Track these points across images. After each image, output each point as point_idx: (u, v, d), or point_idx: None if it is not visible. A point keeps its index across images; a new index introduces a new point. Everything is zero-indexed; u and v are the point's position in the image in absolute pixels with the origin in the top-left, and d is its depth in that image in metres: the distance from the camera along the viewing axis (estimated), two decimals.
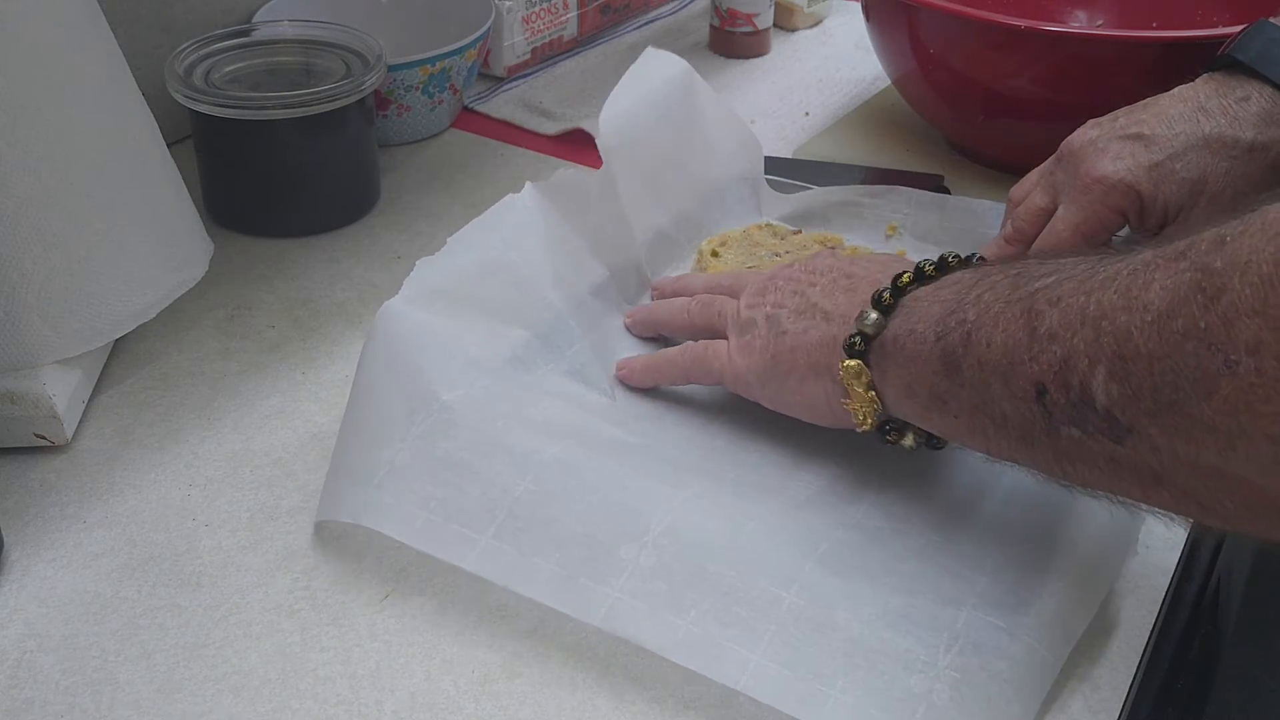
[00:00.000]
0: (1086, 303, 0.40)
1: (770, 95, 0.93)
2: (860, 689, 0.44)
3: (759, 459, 0.56)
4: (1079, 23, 0.91)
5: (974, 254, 0.51)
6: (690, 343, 0.60)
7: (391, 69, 0.78)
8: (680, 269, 0.69)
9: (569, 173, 0.64)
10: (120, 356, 0.63)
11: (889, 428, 0.51)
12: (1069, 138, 0.62)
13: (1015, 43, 0.73)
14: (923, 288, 0.49)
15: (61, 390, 0.56)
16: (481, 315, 0.57)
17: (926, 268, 0.50)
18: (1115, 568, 0.49)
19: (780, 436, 0.57)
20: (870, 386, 0.50)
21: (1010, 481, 0.54)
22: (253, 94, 0.71)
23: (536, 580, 0.48)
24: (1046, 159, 0.64)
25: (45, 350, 0.56)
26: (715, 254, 0.70)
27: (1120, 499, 0.43)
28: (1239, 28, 0.62)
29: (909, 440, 0.51)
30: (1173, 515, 0.42)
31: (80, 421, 0.58)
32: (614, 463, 0.51)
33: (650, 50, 0.71)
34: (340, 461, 0.53)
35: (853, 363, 0.50)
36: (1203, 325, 0.35)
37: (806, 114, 0.90)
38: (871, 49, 0.85)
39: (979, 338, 0.44)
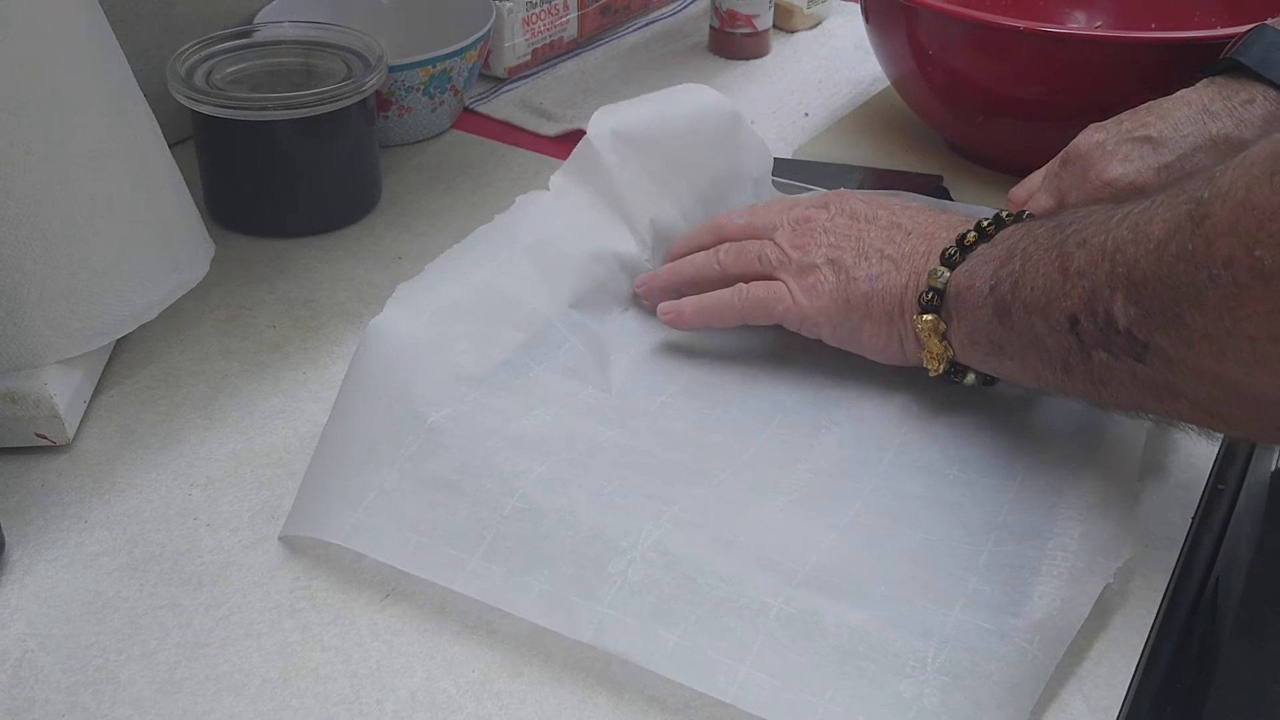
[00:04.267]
0: (1105, 240, 0.45)
1: (770, 96, 0.93)
2: (849, 696, 0.44)
3: (755, 454, 0.56)
4: (1078, 23, 0.91)
5: (1024, 212, 0.56)
6: (744, 285, 0.61)
7: (392, 70, 0.78)
8: None
9: (559, 179, 0.65)
10: (121, 356, 0.63)
11: (954, 371, 0.56)
12: (1075, 141, 0.62)
13: (1015, 43, 0.73)
14: (983, 245, 0.54)
15: (63, 390, 0.56)
16: (469, 324, 0.57)
17: (987, 226, 0.55)
18: (1108, 569, 0.49)
19: (776, 431, 0.57)
20: (944, 338, 0.55)
21: (1003, 481, 0.54)
22: (254, 95, 0.71)
23: (526, 599, 0.47)
24: (1046, 160, 0.64)
25: (47, 350, 0.56)
26: None
27: (1150, 416, 0.48)
28: (1237, 29, 0.62)
29: (970, 379, 0.56)
30: (1197, 428, 0.47)
31: (82, 421, 0.58)
32: (602, 479, 0.51)
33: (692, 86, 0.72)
34: (322, 479, 0.52)
35: (929, 318, 0.54)
36: (1190, 247, 0.40)
37: (806, 114, 0.90)
38: (871, 50, 0.85)
39: (1024, 284, 0.49)
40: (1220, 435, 0.47)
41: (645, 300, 0.65)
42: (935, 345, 0.55)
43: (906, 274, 0.56)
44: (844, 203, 0.61)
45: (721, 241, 0.63)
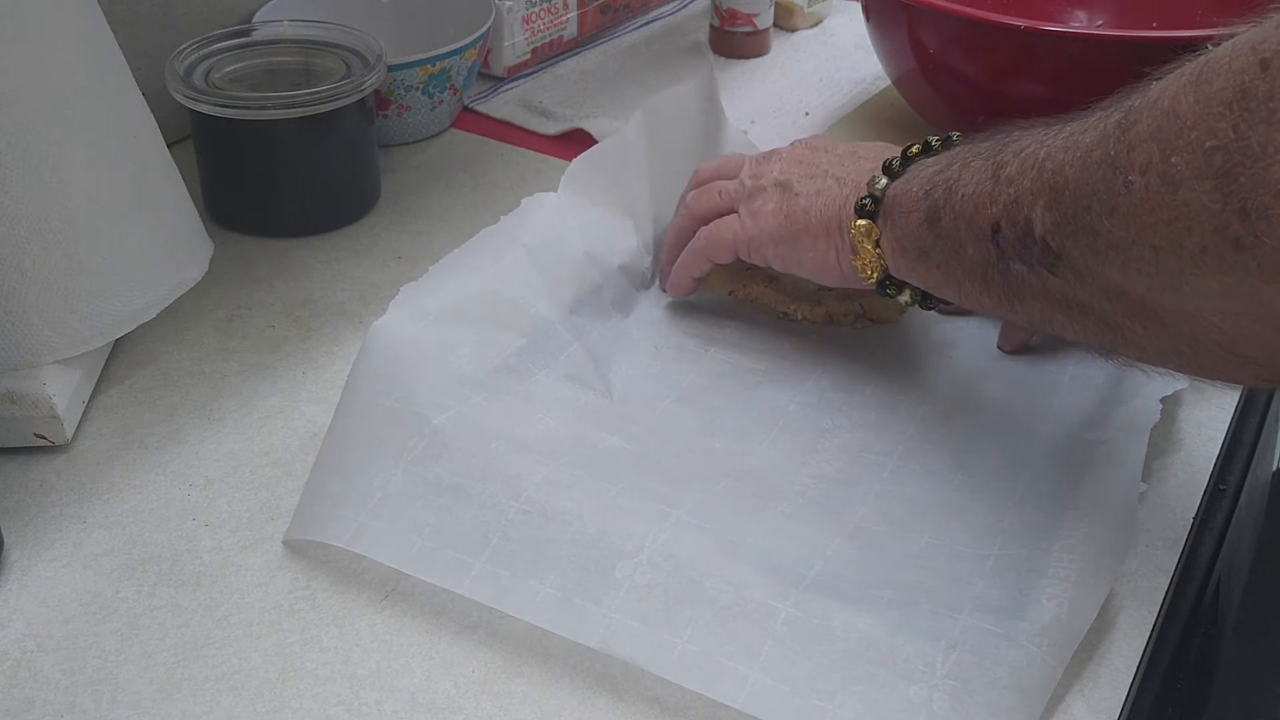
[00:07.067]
0: (1038, 149, 0.45)
1: (770, 95, 0.93)
2: (858, 702, 0.44)
3: (757, 460, 0.56)
4: (1079, 23, 0.91)
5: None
6: (704, 226, 0.63)
7: (391, 69, 0.78)
8: None
9: (580, 168, 0.66)
10: (120, 356, 0.63)
11: (888, 284, 0.56)
12: None
13: (1015, 43, 0.73)
14: (928, 157, 0.54)
15: (61, 390, 0.56)
16: (471, 327, 0.57)
17: (934, 142, 0.55)
18: (1114, 570, 0.48)
19: (779, 436, 0.57)
20: (877, 244, 0.55)
21: (1007, 484, 0.54)
22: (253, 94, 0.71)
23: (532, 603, 0.47)
24: None
25: (45, 350, 0.56)
26: None
27: (1055, 331, 0.48)
28: (1239, 28, 0.62)
29: (905, 296, 0.56)
30: (1102, 351, 0.47)
31: (80, 421, 0.58)
32: (607, 481, 0.51)
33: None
34: (325, 482, 0.52)
35: (863, 222, 0.54)
36: (1112, 153, 0.40)
37: (806, 114, 0.90)
38: (871, 49, 0.85)
39: (957, 190, 0.49)
40: (1120, 358, 0.47)
41: (671, 295, 0.66)
42: (868, 251, 0.55)
43: (849, 189, 0.57)
44: (811, 139, 0.63)
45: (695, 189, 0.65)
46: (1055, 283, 0.44)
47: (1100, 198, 0.40)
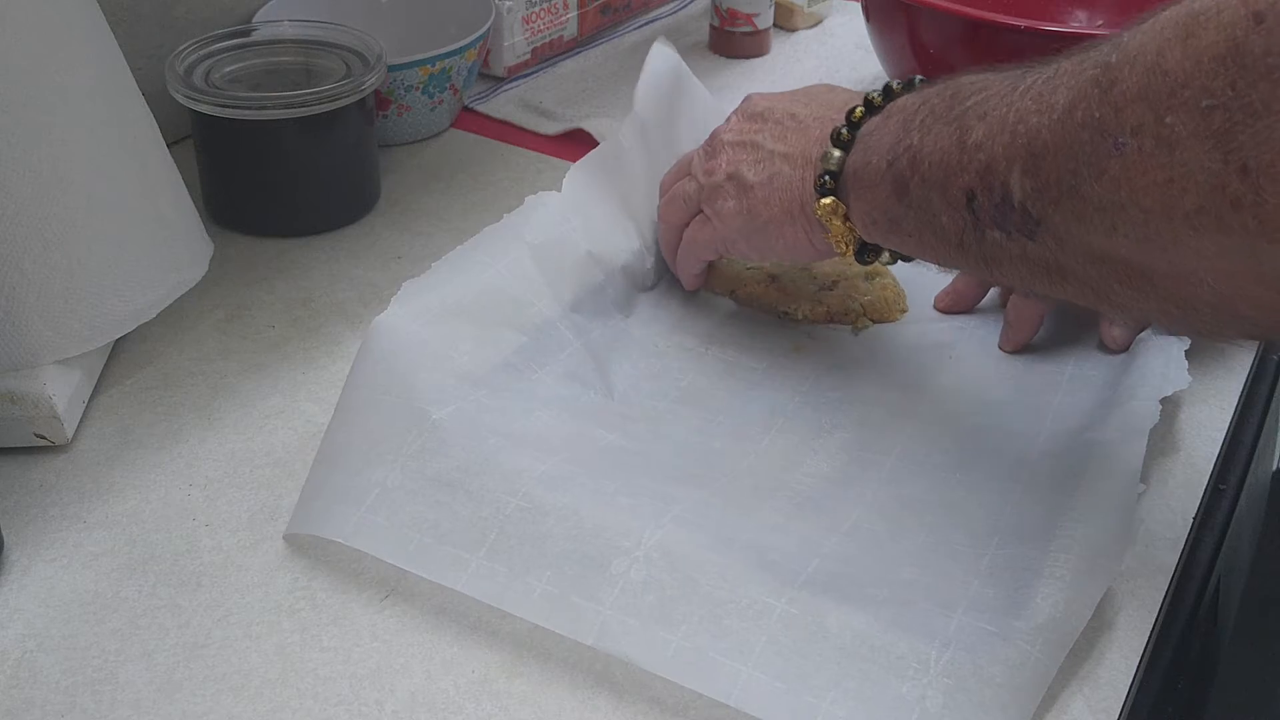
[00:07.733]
0: (1007, 113, 0.43)
1: None
2: (851, 699, 0.44)
3: (756, 459, 0.56)
4: (1079, 23, 0.91)
5: (915, 77, 0.55)
6: (686, 230, 0.64)
7: (391, 69, 0.78)
8: None
9: (579, 173, 0.65)
10: (120, 356, 0.63)
11: (866, 251, 0.55)
12: None
13: (1016, 42, 0.73)
14: (874, 118, 0.53)
15: (62, 390, 0.56)
16: (472, 324, 0.57)
17: (875, 99, 0.54)
18: (1111, 570, 0.48)
19: (778, 435, 0.57)
20: (846, 218, 0.54)
21: (1005, 483, 0.54)
22: (253, 94, 0.71)
23: (529, 600, 0.47)
24: None
25: (45, 350, 0.56)
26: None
27: (1035, 293, 0.47)
28: None
29: (885, 257, 0.56)
30: (1078, 305, 0.46)
31: (80, 421, 0.58)
32: (605, 478, 0.51)
33: (659, 46, 0.72)
34: (325, 477, 0.52)
35: (828, 201, 0.54)
36: (1097, 115, 0.39)
37: None
38: (871, 49, 0.85)
39: (921, 158, 0.48)
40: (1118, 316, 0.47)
41: (688, 289, 0.67)
42: (839, 228, 0.54)
43: (800, 167, 0.56)
44: (747, 105, 0.62)
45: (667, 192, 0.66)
46: (1034, 249, 0.44)
47: (1086, 161, 0.39)
